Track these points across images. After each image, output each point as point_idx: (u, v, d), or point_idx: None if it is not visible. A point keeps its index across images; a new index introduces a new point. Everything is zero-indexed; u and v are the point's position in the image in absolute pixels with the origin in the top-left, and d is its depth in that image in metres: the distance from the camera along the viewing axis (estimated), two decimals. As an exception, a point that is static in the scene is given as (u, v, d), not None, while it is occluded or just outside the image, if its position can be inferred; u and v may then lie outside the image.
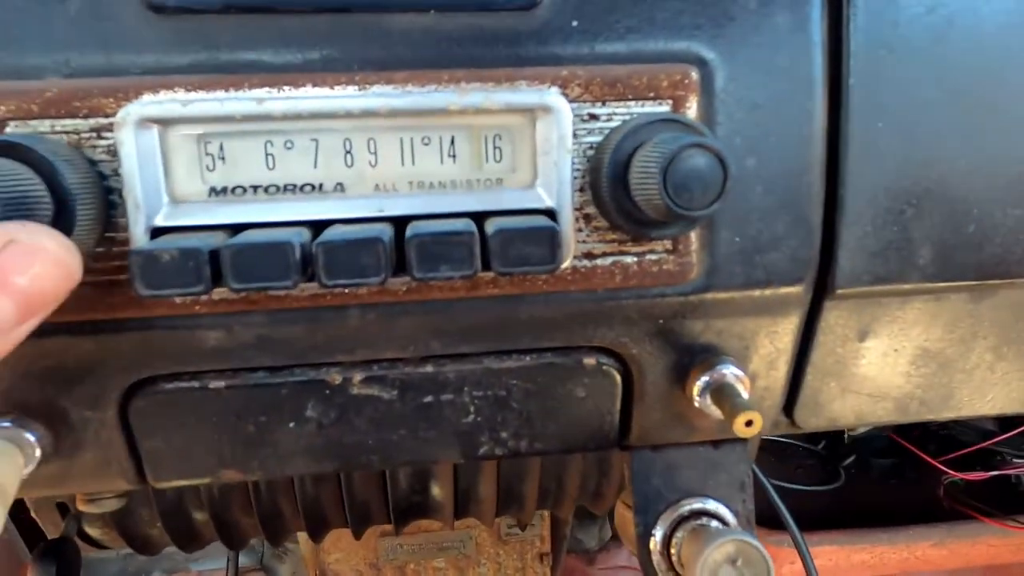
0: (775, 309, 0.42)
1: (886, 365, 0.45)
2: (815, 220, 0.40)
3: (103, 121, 0.34)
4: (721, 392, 0.42)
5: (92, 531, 0.66)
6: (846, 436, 1.34)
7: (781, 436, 1.41)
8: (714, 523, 0.47)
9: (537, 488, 0.71)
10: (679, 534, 0.47)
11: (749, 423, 0.39)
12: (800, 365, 0.45)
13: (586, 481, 0.71)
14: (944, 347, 0.45)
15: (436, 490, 0.69)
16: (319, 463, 0.43)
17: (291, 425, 0.42)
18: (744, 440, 0.49)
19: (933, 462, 1.19)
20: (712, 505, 0.48)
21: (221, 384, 0.40)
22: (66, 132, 0.34)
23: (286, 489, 0.67)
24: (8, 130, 0.34)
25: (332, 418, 0.42)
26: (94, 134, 0.34)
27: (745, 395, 0.41)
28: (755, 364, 0.44)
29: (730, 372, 0.42)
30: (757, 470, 1.00)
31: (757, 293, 0.41)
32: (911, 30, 0.38)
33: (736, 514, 0.48)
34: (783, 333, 0.43)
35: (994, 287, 0.43)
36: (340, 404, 0.41)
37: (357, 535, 0.73)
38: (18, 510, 0.72)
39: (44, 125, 0.34)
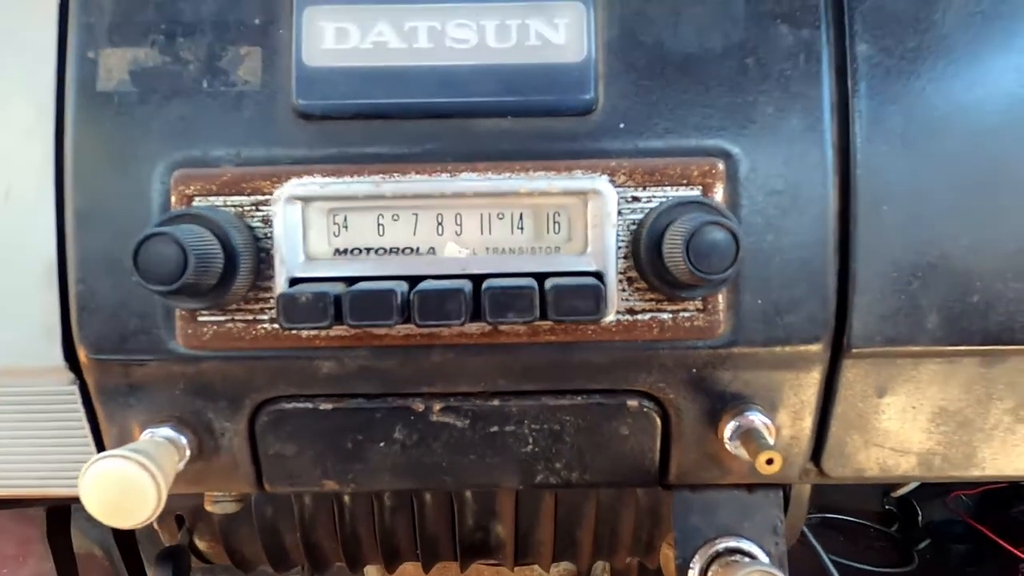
0: (797, 365, 0.48)
1: (906, 421, 0.50)
2: (829, 287, 0.46)
3: (260, 198, 0.46)
4: (749, 436, 0.48)
5: (201, 544, 0.76)
6: (920, 519, 1.30)
7: (852, 517, 1.38)
8: (747, 560, 0.51)
9: (592, 534, 0.76)
10: (714, 567, 0.52)
11: (770, 461, 0.44)
12: (825, 417, 0.50)
13: (638, 530, 0.75)
14: (962, 407, 0.49)
15: (499, 529, 0.75)
16: (401, 480, 0.51)
17: (381, 445, 0.50)
18: (777, 487, 0.54)
19: (1014, 550, 1.14)
20: (746, 544, 0.53)
21: (329, 406, 0.49)
22: (233, 206, 0.46)
23: (365, 518, 0.75)
24: (194, 203, 0.46)
25: (414, 440, 0.50)
26: (253, 207, 0.46)
27: (770, 440, 0.47)
28: (782, 414, 0.50)
29: (757, 419, 0.48)
30: (813, 539, 1.00)
31: (778, 349, 0.47)
32: (911, 128, 0.45)
33: (768, 555, 0.53)
34: (806, 387, 0.49)
35: (1003, 353, 0.47)
36: (421, 429, 0.50)
37: (426, 568, 0.79)
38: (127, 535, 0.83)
39: (219, 200, 0.46)
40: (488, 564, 0.91)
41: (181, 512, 0.73)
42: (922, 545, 1.29)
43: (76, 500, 0.45)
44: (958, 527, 1.28)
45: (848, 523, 1.39)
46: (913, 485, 1.26)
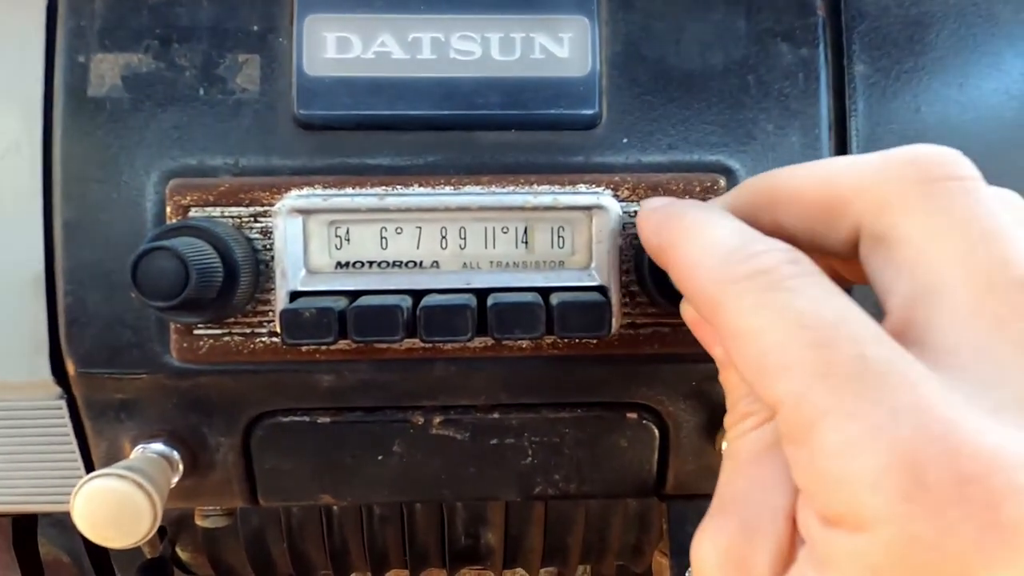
0: (793, 377, 0.49)
1: (896, 432, 0.51)
2: (826, 302, 0.47)
3: (259, 209, 0.45)
4: (746, 447, 0.48)
5: (183, 555, 0.75)
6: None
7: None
8: (741, 569, 0.52)
9: (582, 540, 0.77)
10: (709, 577, 0.52)
11: (769, 474, 0.45)
12: (818, 428, 0.51)
13: (627, 535, 0.76)
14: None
15: (489, 536, 0.75)
16: (400, 493, 0.51)
17: (379, 458, 0.50)
18: (770, 496, 0.55)
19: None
20: (740, 553, 0.54)
21: (327, 420, 0.49)
22: (231, 217, 0.45)
23: (354, 527, 0.74)
24: (191, 214, 0.45)
25: (413, 454, 0.50)
26: (252, 219, 0.45)
27: (767, 451, 0.48)
28: (777, 425, 0.50)
29: (754, 430, 0.49)
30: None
31: (777, 362, 0.48)
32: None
33: (762, 563, 0.54)
34: (801, 399, 0.50)
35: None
36: (420, 442, 0.50)
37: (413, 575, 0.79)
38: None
39: (216, 211, 0.45)
40: (473, 570, 0.92)
41: (163, 523, 0.72)
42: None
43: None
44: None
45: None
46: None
